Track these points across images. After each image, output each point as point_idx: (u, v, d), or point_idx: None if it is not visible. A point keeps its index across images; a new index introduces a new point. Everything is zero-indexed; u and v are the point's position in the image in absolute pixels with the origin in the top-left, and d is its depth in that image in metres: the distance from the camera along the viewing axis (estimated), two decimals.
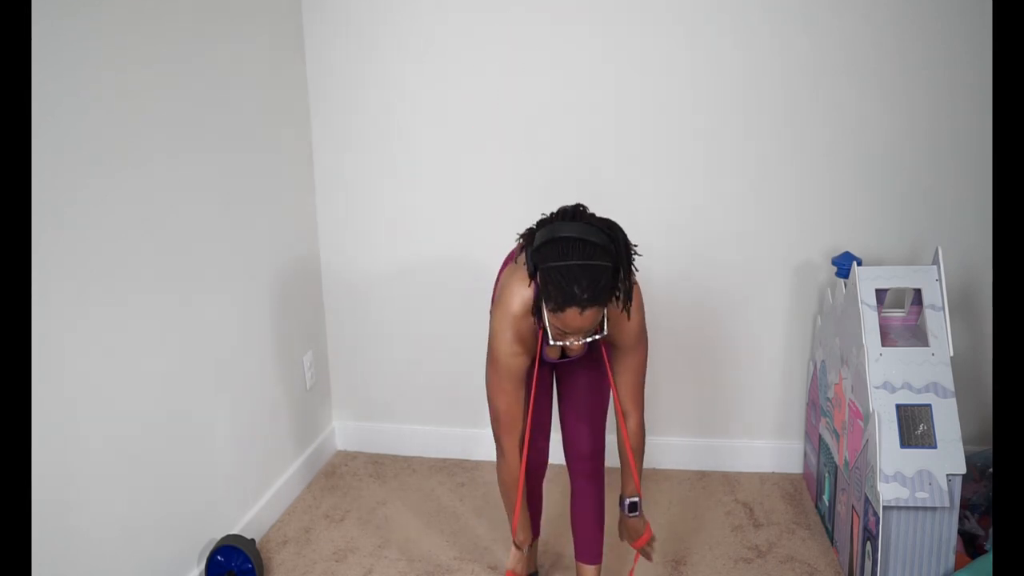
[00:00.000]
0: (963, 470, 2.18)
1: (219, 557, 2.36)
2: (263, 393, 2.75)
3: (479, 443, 3.18)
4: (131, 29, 2.03)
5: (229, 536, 2.41)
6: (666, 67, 2.81)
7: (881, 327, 2.36)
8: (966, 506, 2.48)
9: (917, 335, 2.40)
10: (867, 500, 2.28)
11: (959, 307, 2.84)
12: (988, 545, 2.39)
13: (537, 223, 1.82)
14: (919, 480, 2.18)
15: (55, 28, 1.77)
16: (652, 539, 2.21)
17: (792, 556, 2.56)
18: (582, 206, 1.79)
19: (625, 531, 2.21)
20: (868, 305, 2.35)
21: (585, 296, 1.63)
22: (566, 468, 2.33)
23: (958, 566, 2.24)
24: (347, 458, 3.24)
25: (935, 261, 2.35)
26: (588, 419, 2.18)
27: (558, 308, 1.66)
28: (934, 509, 2.18)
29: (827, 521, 2.67)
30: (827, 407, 2.67)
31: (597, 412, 2.17)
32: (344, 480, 3.08)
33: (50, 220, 1.78)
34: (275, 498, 2.81)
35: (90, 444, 1.93)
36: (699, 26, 2.76)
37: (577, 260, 1.65)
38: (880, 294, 2.38)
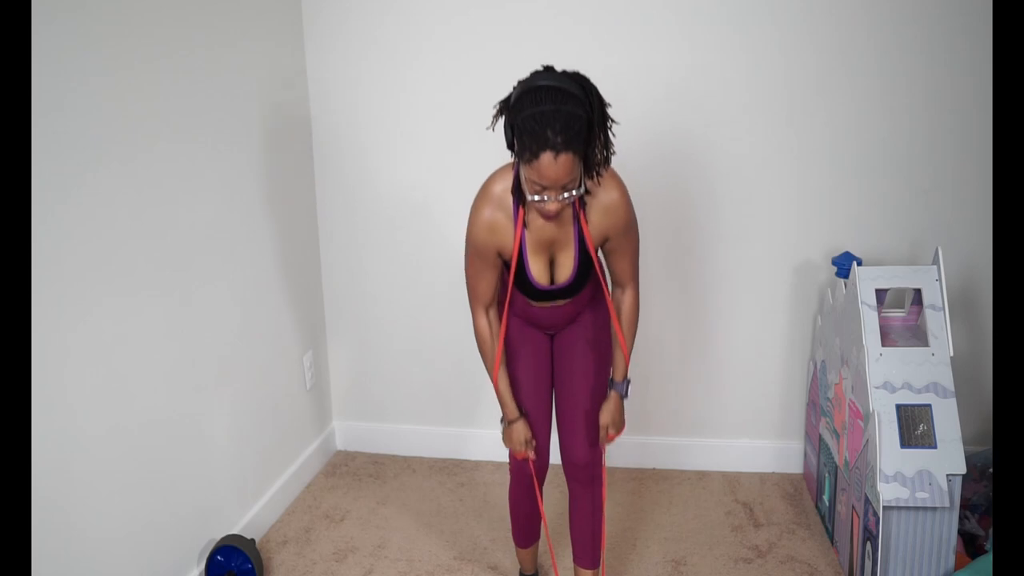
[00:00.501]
0: (963, 470, 2.18)
1: (219, 557, 2.36)
2: (263, 393, 2.75)
3: (479, 443, 3.18)
4: (131, 29, 2.03)
5: (229, 536, 2.41)
6: (666, 66, 2.81)
7: (881, 327, 2.36)
8: (966, 506, 2.48)
9: (917, 335, 2.40)
10: (867, 500, 2.28)
11: (959, 307, 2.84)
12: (988, 545, 2.39)
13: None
14: (919, 480, 2.18)
15: (55, 28, 1.77)
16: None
17: (792, 556, 2.56)
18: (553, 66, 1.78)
19: (609, 416, 2.09)
20: (868, 305, 2.35)
21: (559, 139, 1.63)
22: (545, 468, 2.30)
23: (958, 566, 2.24)
24: (347, 458, 3.24)
25: (935, 261, 2.35)
26: (584, 427, 2.13)
27: (533, 156, 1.65)
28: (934, 509, 2.18)
29: (827, 521, 2.67)
30: (827, 407, 2.67)
31: (593, 419, 2.12)
32: (344, 480, 3.08)
33: (50, 220, 1.78)
34: (275, 498, 2.81)
35: (90, 444, 1.93)
36: (698, 26, 2.76)
37: (551, 106, 1.64)
38: (880, 294, 2.38)
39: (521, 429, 2.10)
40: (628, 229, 1.94)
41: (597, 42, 2.82)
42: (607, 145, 1.76)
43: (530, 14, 2.83)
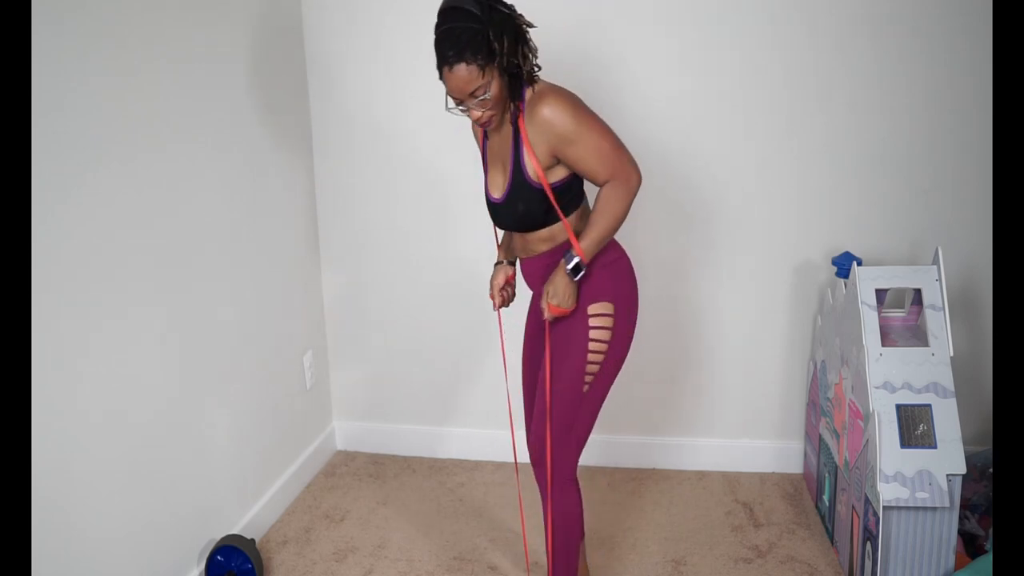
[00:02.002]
0: (963, 470, 2.18)
1: (219, 557, 2.36)
2: (263, 393, 2.75)
3: (479, 443, 3.18)
4: (131, 29, 2.03)
5: (229, 536, 2.41)
6: (665, 66, 2.81)
7: (881, 327, 2.36)
8: (966, 506, 2.48)
9: (917, 335, 2.40)
10: (867, 500, 2.28)
11: (959, 307, 2.84)
12: (988, 545, 2.39)
13: None
14: (919, 480, 2.18)
15: (55, 27, 1.77)
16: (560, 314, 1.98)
17: (792, 556, 2.56)
18: None
19: (549, 285, 1.94)
20: (868, 305, 2.35)
21: (450, 53, 1.79)
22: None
23: (958, 566, 2.24)
24: (347, 458, 3.24)
25: (935, 261, 2.35)
26: (533, 423, 2.04)
27: (439, 73, 1.84)
28: (934, 509, 2.18)
29: (827, 521, 2.67)
30: (827, 407, 2.67)
31: (540, 416, 2.00)
32: (344, 480, 3.08)
33: (50, 220, 1.78)
34: (275, 498, 2.81)
35: (90, 444, 1.93)
36: (698, 25, 2.76)
37: (446, 24, 1.80)
38: (880, 294, 2.38)
39: (496, 273, 2.15)
40: (572, 139, 1.86)
41: (597, 42, 2.82)
42: (516, 52, 1.83)
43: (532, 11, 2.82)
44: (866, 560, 2.31)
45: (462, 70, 1.80)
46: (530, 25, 1.87)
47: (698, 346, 3.02)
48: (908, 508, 2.19)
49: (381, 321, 3.17)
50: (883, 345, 2.31)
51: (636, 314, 2.05)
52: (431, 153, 2.98)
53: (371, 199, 3.06)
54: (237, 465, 2.59)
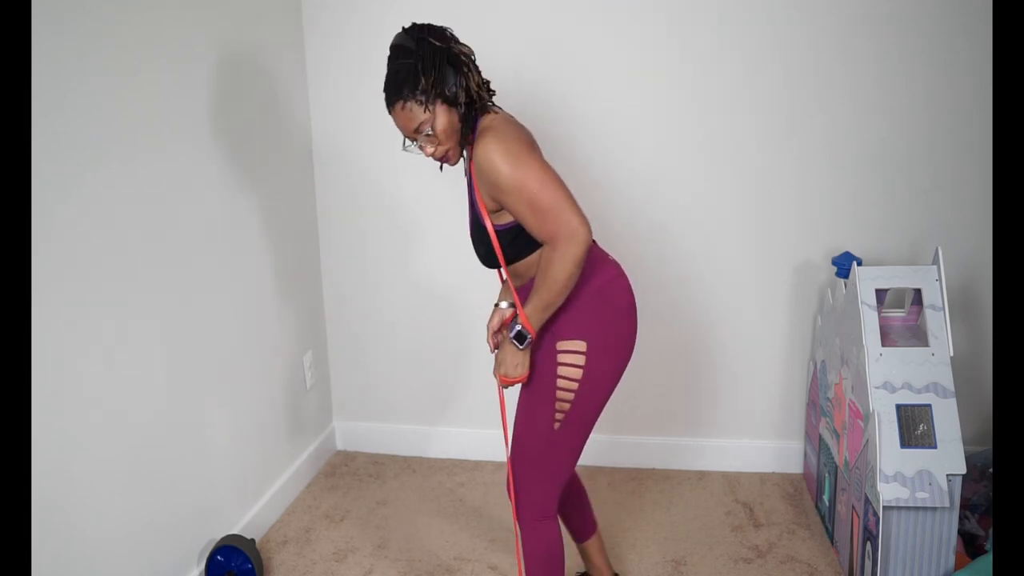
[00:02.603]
0: (963, 470, 2.18)
1: (219, 557, 2.36)
2: (263, 393, 2.75)
3: (479, 443, 3.18)
4: (131, 29, 2.03)
5: (229, 536, 2.41)
6: (666, 67, 2.81)
7: (881, 327, 2.36)
8: (966, 506, 2.48)
9: (917, 335, 2.40)
10: (867, 500, 2.28)
11: (959, 307, 2.84)
12: (988, 545, 2.39)
13: None
14: (919, 480, 2.18)
15: (55, 27, 1.77)
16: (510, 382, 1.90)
17: (792, 556, 2.56)
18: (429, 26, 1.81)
19: (499, 355, 1.89)
20: (868, 305, 2.35)
21: (390, 93, 1.79)
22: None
23: (958, 566, 2.24)
24: (347, 458, 3.24)
25: (935, 261, 2.35)
26: (509, 463, 1.98)
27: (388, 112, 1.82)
28: (934, 509, 2.18)
29: (827, 521, 2.67)
30: (827, 407, 2.67)
31: (513, 455, 1.95)
32: (344, 480, 3.08)
33: (50, 220, 1.78)
34: (275, 498, 2.81)
35: (90, 444, 1.93)
36: (698, 26, 2.76)
37: (390, 65, 1.80)
38: (880, 294, 2.38)
39: (492, 316, 2.03)
40: (503, 188, 1.74)
41: (597, 42, 2.82)
42: (452, 83, 1.75)
43: (529, 13, 2.83)
44: (866, 560, 2.31)
45: (401, 108, 1.77)
46: (469, 54, 1.80)
47: (698, 346, 3.02)
48: (908, 508, 2.19)
49: (381, 321, 3.17)
50: (883, 345, 2.31)
51: (624, 350, 1.91)
52: None
53: (371, 199, 3.06)
54: (237, 465, 2.59)
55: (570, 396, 1.85)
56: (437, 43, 1.76)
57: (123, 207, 2.02)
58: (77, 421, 1.89)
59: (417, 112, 1.77)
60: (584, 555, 2.31)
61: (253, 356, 2.67)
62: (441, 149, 1.82)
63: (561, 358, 1.84)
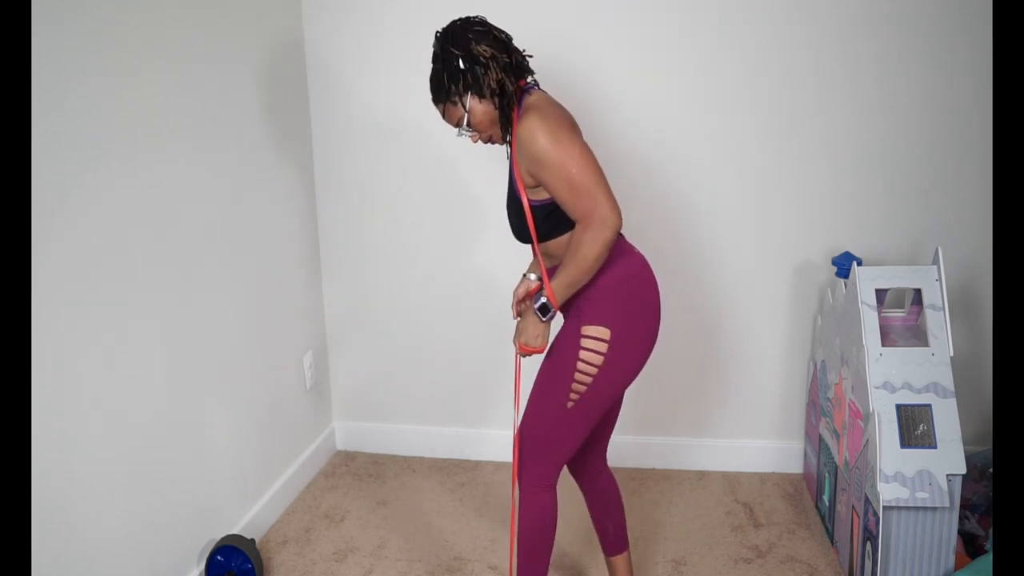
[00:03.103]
0: (963, 470, 2.18)
1: (219, 557, 2.36)
2: (263, 393, 2.75)
3: (479, 443, 3.18)
4: (131, 29, 2.03)
5: (229, 536, 2.41)
6: (666, 67, 2.81)
7: (881, 327, 2.36)
8: (966, 506, 2.48)
9: (917, 335, 2.40)
10: (867, 500, 2.28)
11: (959, 307, 2.84)
12: (988, 545, 2.39)
13: None
14: (919, 480, 2.18)
15: (55, 27, 1.77)
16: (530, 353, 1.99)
17: (792, 556, 2.56)
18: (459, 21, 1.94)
19: (519, 325, 1.99)
20: (868, 305, 2.35)
21: (432, 96, 1.95)
22: (577, 484, 2.30)
23: (958, 566, 2.24)
24: (347, 458, 3.24)
25: (935, 261, 2.35)
26: (521, 416, 2.05)
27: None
28: (934, 509, 2.18)
29: (827, 521, 2.67)
30: (827, 407, 2.67)
31: (523, 424, 2.02)
32: (344, 480, 3.08)
33: (50, 220, 1.78)
34: (275, 498, 2.81)
35: (90, 444, 1.93)
36: (699, 26, 2.76)
37: (431, 69, 1.94)
38: (880, 294, 2.38)
39: (519, 284, 2.12)
40: (543, 163, 1.82)
41: (597, 42, 2.82)
42: (478, 82, 1.87)
43: (529, 12, 2.83)
44: (866, 560, 2.31)
45: (441, 110, 1.94)
46: (491, 48, 1.88)
47: (698, 346, 3.02)
48: (908, 508, 2.19)
49: (381, 321, 3.17)
50: (883, 345, 2.31)
51: (647, 344, 1.98)
52: (432, 152, 2.98)
53: (371, 199, 3.06)
54: (237, 465, 2.59)
55: (587, 380, 1.91)
56: (456, 51, 1.87)
57: (123, 207, 2.02)
58: (77, 421, 1.89)
59: (453, 111, 1.92)
60: (612, 571, 2.30)
61: (253, 356, 2.67)
62: (485, 135, 1.97)
63: (584, 343, 1.90)
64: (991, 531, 2.39)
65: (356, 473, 3.13)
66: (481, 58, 1.87)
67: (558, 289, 1.87)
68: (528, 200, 1.92)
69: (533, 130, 1.83)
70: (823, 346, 2.74)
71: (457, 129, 1.96)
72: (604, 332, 1.89)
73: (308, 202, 3.05)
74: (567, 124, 1.89)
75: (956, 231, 2.80)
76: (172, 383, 2.25)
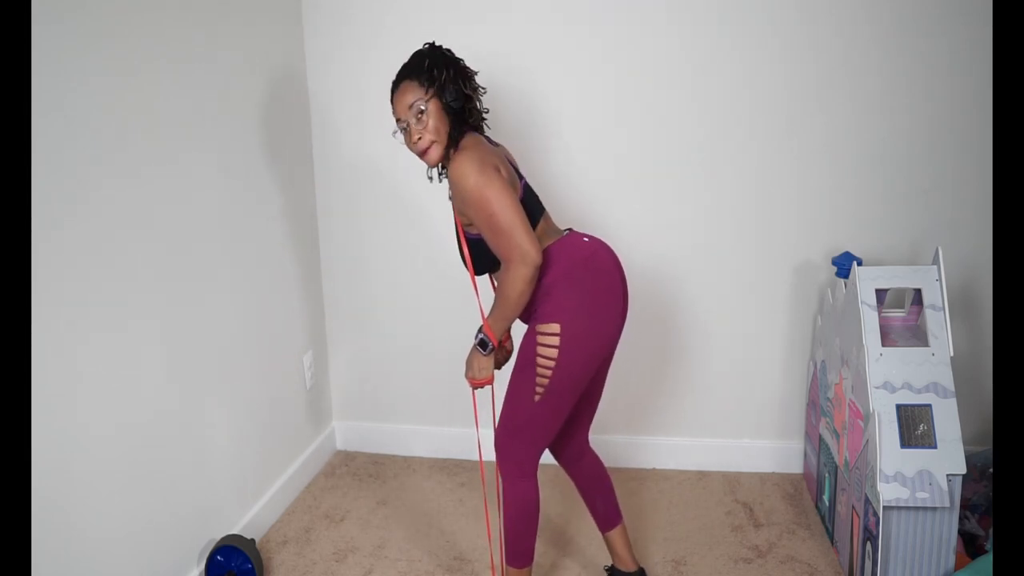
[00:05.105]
0: (963, 470, 2.18)
1: (219, 557, 2.36)
2: (263, 393, 2.75)
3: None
4: (131, 29, 2.03)
5: (229, 536, 2.41)
6: (666, 67, 2.81)
7: (881, 327, 2.36)
8: (966, 506, 2.48)
9: (917, 335, 2.40)
10: (867, 500, 2.28)
11: (959, 307, 2.84)
12: (988, 545, 2.39)
13: None
14: (919, 480, 2.18)
15: (55, 29, 1.77)
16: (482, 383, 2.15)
17: (792, 556, 2.56)
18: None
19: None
20: (868, 305, 2.35)
21: (398, 78, 2.02)
22: (562, 468, 2.38)
23: (958, 566, 2.24)
24: (347, 458, 3.24)
25: (935, 261, 2.35)
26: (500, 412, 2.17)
27: (391, 103, 2.04)
28: (934, 509, 2.18)
29: (827, 521, 2.67)
30: (827, 407, 2.67)
31: (500, 417, 2.14)
32: (344, 480, 3.08)
33: (50, 220, 1.78)
34: (275, 498, 2.81)
35: (90, 444, 1.93)
36: (699, 26, 2.76)
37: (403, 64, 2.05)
38: (880, 294, 2.38)
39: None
40: (467, 202, 1.96)
41: (597, 42, 2.82)
42: (455, 81, 1.98)
43: (530, 15, 2.83)
44: (866, 560, 2.31)
45: (404, 86, 1.99)
46: (473, 72, 2.04)
47: (698, 346, 3.02)
48: (908, 508, 2.19)
49: (381, 321, 3.17)
50: (883, 345, 2.31)
51: (600, 326, 2.04)
52: None
53: (371, 199, 3.06)
54: (237, 465, 2.59)
55: (548, 373, 2.02)
56: (448, 54, 2.02)
57: (123, 207, 2.02)
58: (77, 421, 1.89)
59: (416, 91, 1.98)
60: (609, 546, 2.38)
61: (253, 356, 2.67)
62: (427, 137, 2.00)
63: (540, 339, 2.01)
64: (991, 531, 2.39)
65: (356, 473, 3.13)
66: (468, 71, 2.03)
67: (493, 324, 2.05)
68: (467, 235, 2.07)
69: (461, 168, 1.95)
70: (823, 346, 2.74)
71: (397, 124, 2.03)
72: (555, 327, 1.99)
73: (308, 201, 3.05)
74: (492, 166, 1.97)
75: (956, 231, 2.80)
76: (172, 383, 2.25)
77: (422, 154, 2.03)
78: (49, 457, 1.79)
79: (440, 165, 2.07)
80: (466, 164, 1.95)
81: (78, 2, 1.84)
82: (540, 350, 2.01)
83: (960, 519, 2.42)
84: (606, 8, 2.79)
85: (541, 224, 2.10)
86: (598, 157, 2.91)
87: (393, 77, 2.05)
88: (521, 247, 1.92)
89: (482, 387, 2.15)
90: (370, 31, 2.91)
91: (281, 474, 2.88)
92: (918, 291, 2.41)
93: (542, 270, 1.98)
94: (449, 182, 2.00)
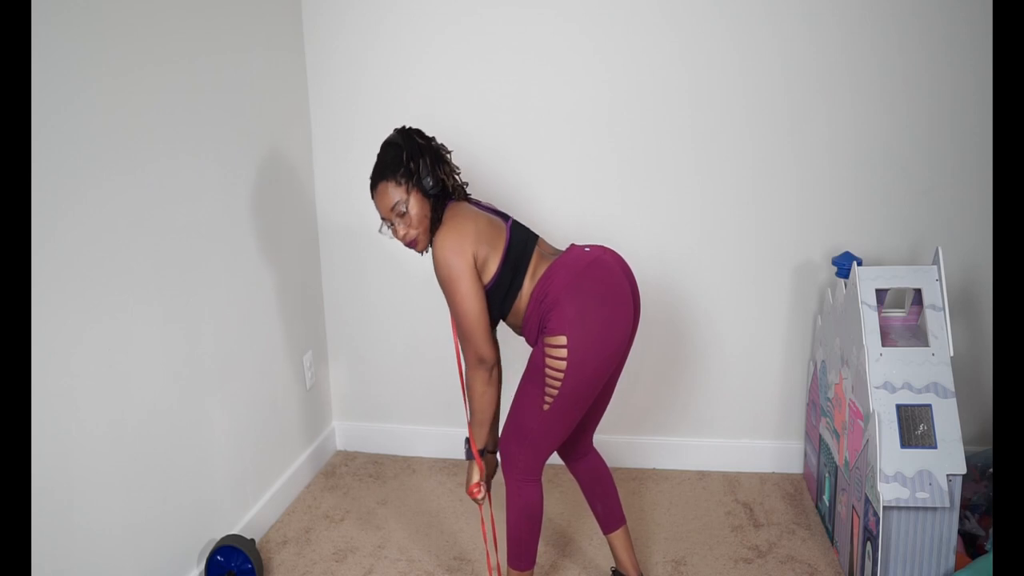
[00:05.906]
0: (963, 470, 2.18)
1: (219, 557, 2.36)
2: (263, 393, 2.75)
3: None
4: (133, 35, 2.03)
5: (229, 536, 2.41)
6: (666, 67, 2.81)
7: (881, 327, 2.36)
8: (966, 506, 2.48)
9: (917, 335, 2.40)
10: (867, 500, 2.28)
11: (959, 307, 2.84)
12: (988, 545, 2.39)
13: None
14: (919, 480, 2.18)
15: (55, 30, 1.77)
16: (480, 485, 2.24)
17: (792, 556, 2.56)
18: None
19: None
20: (868, 305, 2.35)
21: (375, 177, 2.11)
22: (568, 469, 2.40)
23: (958, 566, 2.24)
24: (347, 458, 3.24)
25: (935, 261, 2.35)
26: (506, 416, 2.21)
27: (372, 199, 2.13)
28: (934, 509, 2.18)
29: (827, 521, 2.67)
30: (827, 407, 2.67)
31: (507, 421, 2.17)
32: (344, 480, 3.08)
33: (50, 220, 1.78)
34: (275, 498, 2.81)
35: (90, 444, 1.93)
36: (699, 26, 2.76)
37: (377, 159, 2.13)
38: (880, 294, 2.38)
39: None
40: (442, 287, 2.07)
41: (596, 42, 2.82)
42: (433, 171, 2.07)
43: (530, 17, 2.83)
44: (866, 560, 2.31)
45: (383, 189, 2.07)
46: (448, 151, 2.13)
47: (698, 346, 3.02)
48: (908, 508, 2.19)
49: (381, 321, 3.17)
50: (883, 345, 2.31)
51: (606, 334, 2.03)
52: None
53: (371, 200, 3.05)
54: (237, 465, 2.59)
55: (557, 384, 2.03)
56: (420, 140, 2.10)
57: (123, 207, 2.02)
58: (77, 421, 1.89)
59: (396, 191, 2.06)
60: (611, 549, 2.38)
61: (253, 356, 2.67)
62: (412, 232, 2.09)
63: (548, 351, 2.02)
64: (991, 531, 2.39)
65: (356, 473, 3.13)
66: (442, 151, 2.12)
67: (473, 429, 2.19)
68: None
69: (438, 255, 2.04)
70: (823, 346, 2.74)
71: (382, 223, 2.12)
72: (561, 339, 2.00)
73: (308, 201, 3.05)
74: (468, 253, 2.03)
75: (956, 231, 2.80)
76: (172, 383, 2.25)
77: (410, 246, 2.12)
78: (49, 457, 1.79)
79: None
80: (443, 250, 2.03)
81: (78, 2, 1.84)
82: (549, 362, 2.02)
83: (960, 519, 2.42)
84: (604, 8, 2.78)
85: (536, 251, 2.13)
86: (597, 157, 2.91)
87: (370, 173, 2.12)
88: (478, 351, 2.06)
89: (478, 497, 2.23)
90: (370, 31, 2.91)
91: (281, 474, 2.88)
92: (918, 291, 2.41)
93: (545, 287, 2.04)
94: (432, 253, 2.08)
